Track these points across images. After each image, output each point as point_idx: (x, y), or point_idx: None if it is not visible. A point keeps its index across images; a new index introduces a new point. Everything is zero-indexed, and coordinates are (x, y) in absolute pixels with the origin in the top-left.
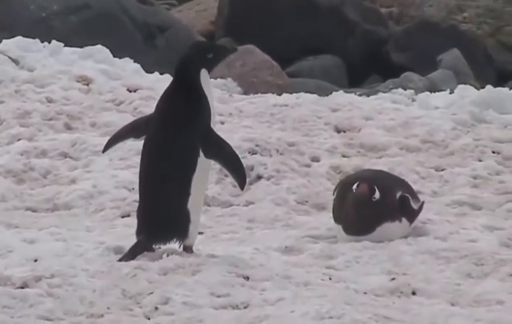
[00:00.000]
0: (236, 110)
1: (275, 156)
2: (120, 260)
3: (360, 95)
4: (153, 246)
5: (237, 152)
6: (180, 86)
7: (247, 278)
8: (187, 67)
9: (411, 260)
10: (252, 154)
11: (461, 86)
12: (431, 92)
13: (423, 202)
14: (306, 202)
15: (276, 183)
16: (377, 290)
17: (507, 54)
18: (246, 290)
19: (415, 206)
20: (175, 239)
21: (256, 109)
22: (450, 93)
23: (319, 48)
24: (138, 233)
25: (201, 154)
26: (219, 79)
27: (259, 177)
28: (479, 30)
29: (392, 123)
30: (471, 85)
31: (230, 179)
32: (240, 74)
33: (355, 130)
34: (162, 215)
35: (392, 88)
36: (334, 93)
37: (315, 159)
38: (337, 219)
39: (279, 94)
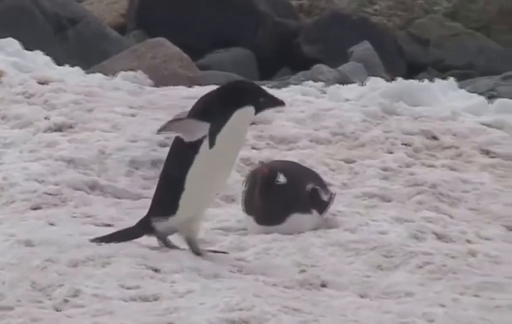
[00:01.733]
0: (147, 102)
1: None
2: (97, 239)
3: (271, 87)
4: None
5: (147, 144)
6: (214, 100)
7: (157, 270)
8: (236, 91)
9: (320, 252)
10: (163, 146)
11: (371, 78)
12: (341, 84)
13: (333, 194)
14: (217, 194)
15: None
16: (287, 282)
17: (418, 46)
18: (156, 282)
19: (325, 198)
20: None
21: (167, 101)
22: (361, 85)
23: (230, 40)
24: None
25: (200, 151)
26: (129, 72)
27: None
28: (390, 22)
29: (302, 115)
30: (382, 77)
31: (140, 172)
32: (150, 66)
33: (265, 122)
34: (158, 205)
35: (302, 80)
36: None
37: None
38: (248, 210)
39: (190, 87)
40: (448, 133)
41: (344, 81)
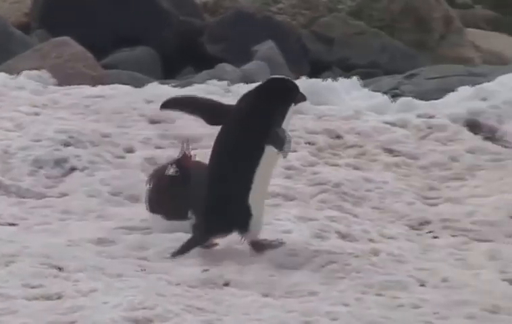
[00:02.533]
0: (51, 101)
1: (90, 147)
2: (173, 255)
3: (175, 86)
4: (209, 240)
5: (51, 144)
6: (268, 94)
7: (60, 269)
8: (284, 88)
9: (224, 251)
10: (67, 146)
11: None
12: (245, 83)
13: None
14: (120, 193)
15: (90, 174)
16: (190, 281)
17: (321, 45)
18: (60, 281)
19: None
20: (235, 233)
21: (71, 100)
22: None
23: (134, 39)
24: (197, 224)
25: (266, 151)
26: (33, 71)
27: (73, 169)
28: (294, 21)
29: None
30: (286, 76)
31: (44, 171)
32: (54, 66)
33: (170, 121)
34: (222, 208)
35: (206, 80)
36: (148, 85)
37: (130, 150)
38: (153, 208)
39: (94, 86)
40: (352, 132)
41: (248, 80)
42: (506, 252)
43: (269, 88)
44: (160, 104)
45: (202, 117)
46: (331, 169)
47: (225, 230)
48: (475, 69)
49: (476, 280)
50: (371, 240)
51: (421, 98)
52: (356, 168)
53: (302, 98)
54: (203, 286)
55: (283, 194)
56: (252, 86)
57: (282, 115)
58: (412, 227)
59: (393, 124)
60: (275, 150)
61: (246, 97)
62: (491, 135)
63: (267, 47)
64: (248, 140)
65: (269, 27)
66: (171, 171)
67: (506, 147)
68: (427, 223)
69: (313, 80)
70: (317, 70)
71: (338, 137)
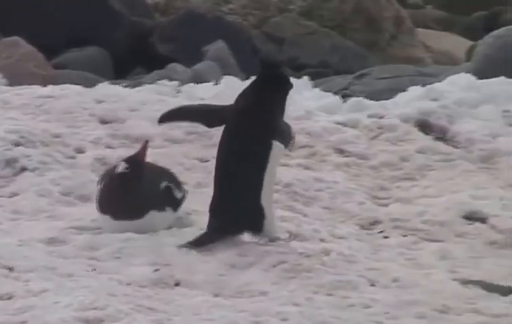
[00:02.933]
0: (1, 101)
1: (40, 147)
2: (184, 245)
3: (125, 86)
4: (220, 239)
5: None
6: (267, 88)
7: (11, 269)
8: (279, 81)
9: (174, 251)
10: (17, 146)
11: (225, 77)
12: (196, 83)
13: (186, 192)
14: (71, 193)
15: (41, 174)
16: (141, 281)
17: (272, 45)
18: (10, 281)
19: (179, 196)
20: (249, 234)
21: (21, 100)
22: (216, 84)
23: (85, 39)
24: (210, 223)
25: (273, 148)
26: None
27: (24, 169)
28: (245, 21)
29: (157, 114)
30: (236, 76)
31: None
32: (5, 65)
33: (120, 121)
34: (235, 208)
35: (157, 80)
36: (99, 85)
37: (80, 151)
38: (103, 208)
39: (45, 86)
40: (303, 132)
41: (198, 80)
42: (456, 252)
43: (266, 82)
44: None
45: (202, 122)
46: (282, 169)
47: (237, 230)
48: (426, 69)
49: (426, 280)
50: (321, 240)
51: (372, 99)
52: (307, 168)
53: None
54: (154, 286)
55: None
56: (203, 86)
57: (283, 108)
58: (362, 227)
59: (344, 124)
60: (283, 146)
61: (244, 94)
62: (442, 135)
63: (218, 47)
64: (255, 138)
65: (220, 27)
66: (121, 167)
67: (456, 147)
68: (378, 223)
69: None
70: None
71: None
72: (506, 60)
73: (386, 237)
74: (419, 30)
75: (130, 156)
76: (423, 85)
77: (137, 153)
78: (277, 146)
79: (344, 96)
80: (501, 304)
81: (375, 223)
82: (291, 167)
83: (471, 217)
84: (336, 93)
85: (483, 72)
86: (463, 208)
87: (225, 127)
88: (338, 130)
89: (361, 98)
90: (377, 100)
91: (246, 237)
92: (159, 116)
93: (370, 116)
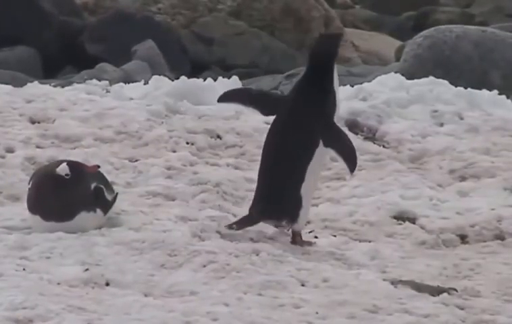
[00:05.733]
0: None
1: None
2: (228, 226)
3: (55, 86)
4: (258, 223)
5: None
6: (315, 77)
7: None
8: (324, 59)
9: (104, 251)
10: None
11: (155, 77)
12: (125, 83)
13: (117, 193)
14: (1, 193)
15: None
16: (71, 281)
17: (201, 45)
18: None
19: (109, 197)
20: (284, 221)
21: None
22: (145, 84)
23: (14, 39)
24: (252, 207)
25: (320, 144)
26: None
27: None
28: (174, 21)
29: (86, 114)
30: (166, 76)
31: None
32: None
33: (50, 121)
34: (275, 195)
35: (86, 79)
36: (28, 84)
37: (10, 150)
38: (33, 208)
39: None
40: (232, 132)
41: (128, 80)
42: (386, 252)
43: (313, 76)
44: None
45: (257, 108)
46: (211, 169)
47: (276, 217)
48: (355, 69)
49: (356, 280)
50: (251, 240)
51: None
52: (236, 168)
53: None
54: (84, 286)
55: (163, 194)
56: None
57: (334, 103)
58: None
59: None
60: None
61: (296, 88)
62: (371, 135)
63: (147, 47)
64: (303, 133)
65: (149, 27)
66: (61, 170)
67: (386, 147)
68: (308, 222)
69: (193, 80)
70: (197, 70)
71: (218, 137)
72: (435, 60)
73: (315, 237)
74: (348, 30)
75: (76, 162)
76: (352, 85)
77: (84, 165)
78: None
79: None
80: (431, 304)
81: (305, 223)
82: (221, 167)
83: (401, 217)
84: None
85: (412, 72)
86: (392, 208)
87: (276, 116)
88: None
89: None
90: None
91: (282, 224)
92: (219, 95)
93: None
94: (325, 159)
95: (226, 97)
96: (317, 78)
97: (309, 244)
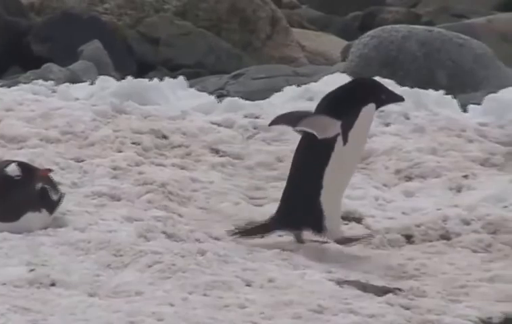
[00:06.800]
0: None
1: None
2: (241, 234)
3: (1, 86)
4: (275, 232)
5: None
6: (346, 95)
7: None
8: (361, 89)
9: (50, 251)
10: None
11: (101, 77)
12: (72, 83)
13: (63, 194)
14: None
15: None
16: (16, 281)
17: (148, 45)
18: None
19: (55, 197)
20: (306, 231)
21: None
22: (91, 84)
23: None
24: (273, 215)
25: (335, 148)
26: None
27: None
28: (120, 22)
29: (32, 114)
30: (112, 76)
31: None
32: None
33: None
34: (293, 204)
35: (32, 79)
36: None
37: None
38: None
39: None
40: (178, 132)
41: (74, 80)
42: (331, 252)
43: (345, 89)
44: None
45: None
46: (157, 169)
47: (294, 226)
48: (301, 69)
49: (302, 280)
50: (197, 240)
51: (247, 99)
52: (182, 168)
53: (390, 99)
54: (29, 286)
55: (109, 194)
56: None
57: (355, 115)
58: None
59: (219, 124)
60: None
61: (324, 97)
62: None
63: (94, 47)
64: (318, 139)
65: (96, 27)
66: (11, 172)
67: None
68: (253, 223)
69: (139, 80)
70: (143, 70)
71: (164, 137)
72: (381, 60)
73: (261, 237)
74: (295, 30)
75: (24, 163)
76: (299, 85)
77: (37, 168)
78: (340, 147)
79: (220, 96)
80: (376, 304)
81: (250, 223)
82: (166, 167)
83: (347, 217)
84: (211, 93)
85: (358, 72)
86: None
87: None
88: (214, 130)
89: (236, 98)
90: (252, 100)
91: (307, 234)
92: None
93: (245, 116)
94: (345, 163)
95: (276, 121)
96: (345, 98)
97: (361, 239)
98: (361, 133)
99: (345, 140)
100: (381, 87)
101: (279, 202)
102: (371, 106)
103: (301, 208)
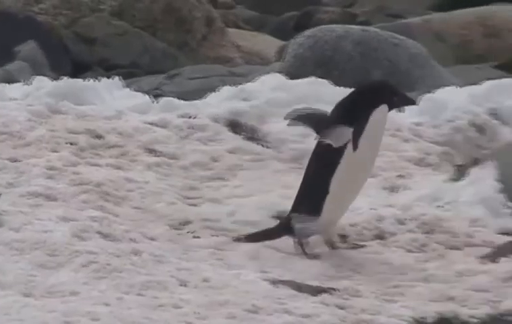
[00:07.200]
0: None
1: None
2: (246, 238)
3: None
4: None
5: None
6: (357, 99)
7: None
8: (373, 91)
9: None
10: None
11: (37, 78)
12: (8, 83)
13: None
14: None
15: None
16: None
17: (83, 45)
18: None
19: None
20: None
21: None
22: (26, 84)
23: None
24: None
25: (344, 155)
26: None
27: None
28: (56, 22)
29: None
30: (48, 76)
31: None
32: None
33: None
34: (300, 210)
35: None
36: None
37: None
38: None
39: None
40: (113, 132)
41: (9, 80)
42: (266, 252)
43: (357, 93)
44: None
45: (314, 129)
46: (92, 169)
47: (292, 230)
48: (237, 70)
49: (237, 280)
50: (132, 240)
51: (183, 98)
52: (117, 168)
53: (402, 102)
54: None
55: (45, 194)
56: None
57: (365, 120)
58: (173, 227)
59: (154, 124)
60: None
61: (339, 103)
62: (252, 135)
63: (29, 47)
64: (327, 146)
65: (31, 27)
66: None
67: (267, 147)
68: (188, 222)
69: (74, 80)
70: (79, 70)
71: (100, 137)
72: (317, 60)
73: (196, 237)
74: (231, 30)
75: None
76: (234, 85)
77: None
78: (349, 154)
79: (155, 96)
80: (310, 304)
81: (185, 223)
82: (101, 167)
83: (281, 217)
84: (146, 93)
85: (294, 72)
86: (273, 207)
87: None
88: (149, 130)
89: (171, 98)
90: (188, 100)
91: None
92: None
93: (181, 116)
94: (354, 170)
95: (295, 121)
96: (357, 103)
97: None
98: (372, 138)
99: (355, 147)
100: (394, 89)
101: (291, 207)
102: (383, 109)
103: (305, 212)
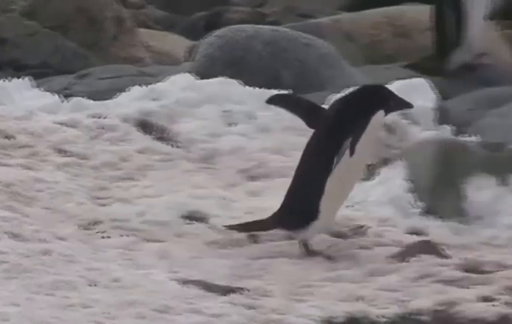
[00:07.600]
0: None
1: None
2: (233, 227)
3: None
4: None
5: None
6: (355, 103)
7: None
8: (370, 96)
9: None
10: None
11: None
12: None
13: None
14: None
15: None
16: None
17: None
18: None
19: None
20: (297, 230)
21: None
22: None
23: None
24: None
25: (342, 157)
26: None
27: None
28: None
29: None
30: None
31: None
32: None
33: None
34: (293, 206)
35: None
36: None
37: None
38: None
39: None
40: (24, 132)
41: None
42: (176, 252)
43: (354, 96)
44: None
45: (303, 118)
46: (2, 169)
47: (289, 228)
48: (147, 69)
49: (146, 280)
50: (42, 240)
51: (93, 98)
52: (27, 168)
53: (399, 106)
54: None
55: None
56: None
57: (363, 127)
58: (83, 227)
59: (64, 124)
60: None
61: (334, 103)
62: (162, 135)
63: None
64: (325, 145)
65: None
66: None
67: (177, 147)
68: (98, 222)
69: None
70: None
71: (9, 137)
72: (227, 60)
73: (106, 237)
74: (141, 30)
75: None
76: (144, 85)
77: None
78: (346, 157)
79: (66, 96)
80: (220, 304)
81: (95, 223)
82: (11, 167)
83: (191, 217)
84: (57, 93)
85: (204, 72)
86: (183, 207)
87: (314, 131)
88: (59, 130)
89: (81, 98)
90: (98, 100)
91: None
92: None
93: (91, 116)
94: (349, 173)
95: (274, 101)
96: (354, 109)
97: (314, 253)
98: (368, 143)
99: (352, 152)
100: (390, 94)
101: (282, 200)
102: (380, 114)
103: (300, 211)
